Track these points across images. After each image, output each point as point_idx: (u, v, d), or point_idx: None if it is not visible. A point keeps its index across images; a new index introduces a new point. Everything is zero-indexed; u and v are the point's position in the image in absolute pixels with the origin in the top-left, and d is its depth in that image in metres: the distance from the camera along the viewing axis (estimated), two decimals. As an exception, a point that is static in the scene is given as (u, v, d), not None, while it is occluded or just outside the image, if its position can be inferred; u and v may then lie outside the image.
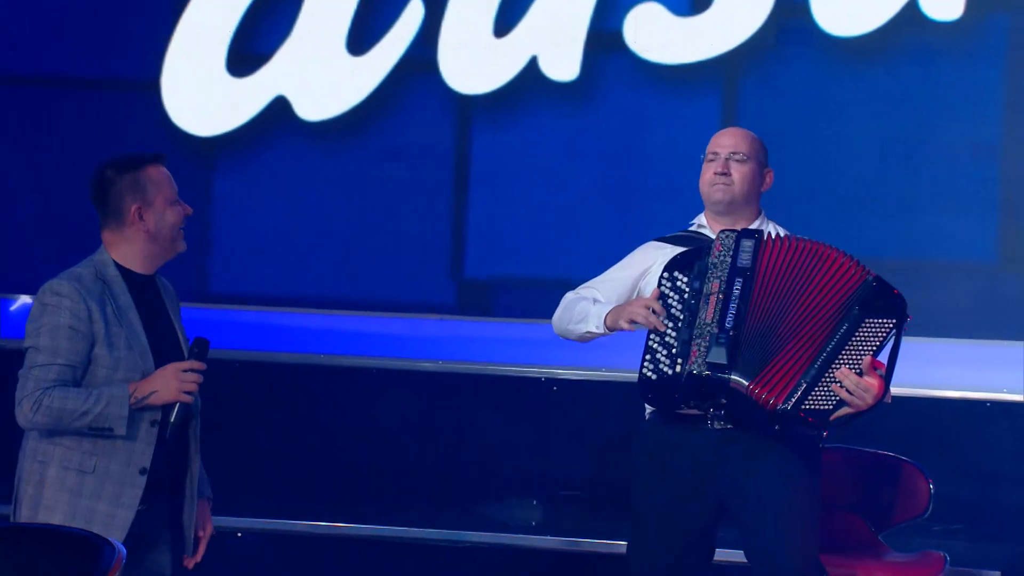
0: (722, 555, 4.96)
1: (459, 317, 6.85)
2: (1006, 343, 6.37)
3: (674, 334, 4.45)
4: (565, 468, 6.76)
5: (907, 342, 4.47)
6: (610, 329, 4.62)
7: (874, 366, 4.34)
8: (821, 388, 4.38)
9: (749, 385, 4.39)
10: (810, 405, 4.38)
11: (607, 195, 6.70)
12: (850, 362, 4.36)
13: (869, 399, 4.32)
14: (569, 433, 6.77)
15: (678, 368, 4.43)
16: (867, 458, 5.36)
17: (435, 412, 6.89)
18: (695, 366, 4.42)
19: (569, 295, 4.79)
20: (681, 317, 4.46)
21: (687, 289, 4.48)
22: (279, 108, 6.95)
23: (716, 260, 4.47)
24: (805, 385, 4.37)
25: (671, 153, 6.41)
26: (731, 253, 4.47)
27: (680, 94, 6.62)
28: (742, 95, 6.60)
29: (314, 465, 6.86)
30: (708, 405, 4.48)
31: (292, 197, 6.97)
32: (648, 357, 4.50)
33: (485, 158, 6.84)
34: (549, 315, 4.98)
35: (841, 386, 4.34)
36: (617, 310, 4.62)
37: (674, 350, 4.45)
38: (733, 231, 4.54)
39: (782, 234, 4.65)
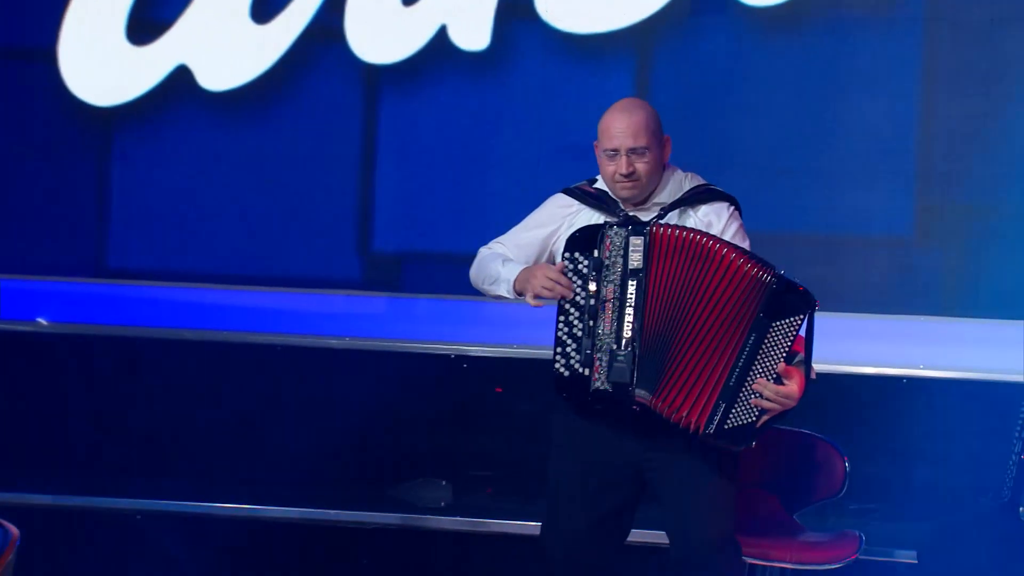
0: (644, 536, 5.07)
1: (366, 293, 6.76)
2: (922, 318, 6.37)
3: (580, 325, 4.43)
4: (476, 447, 6.70)
5: (821, 317, 4.45)
6: (519, 294, 4.58)
7: (794, 351, 4.36)
8: (740, 404, 4.40)
9: (655, 401, 4.40)
10: (732, 423, 4.39)
11: (519, 167, 6.62)
12: (765, 371, 4.37)
13: (792, 402, 4.37)
14: (480, 411, 6.71)
15: (586, 373, 4.43)
16: (782, 436, 5.30)
17: (342, 390, 6.77)
18: (599, 382, 4.43)
19: (483, 251, 4.74)
20: (584, 305, 4.44)
21: (587, 274, 4.44)
22: (181, 77, 6.84)
23: (608, 260, 4.43)
24: (724, 405, 4.37)
25: (585, 124, 5.64)
26: (622, 253, 4.42)
27: (593, 64, 6.53)
28: (656, 65, 6.51)
29: (217, 445, 6.75)
30: (621, 411, 4.49)
31: (194, 169, 6.86)
32: (559, 351, 4.46)
33: (393, 129, 6.73)
34: (459, 290, 5.04)
35: (761, 397, 4.37)
36: (525, 276, 4.57)
37: (583, 345, 4.44)
38: (624, 226, 4.45)
39: (699, 181, 4.62)
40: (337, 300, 6.78)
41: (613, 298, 4.39)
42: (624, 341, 4.38)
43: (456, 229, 6.52)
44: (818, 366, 4.47)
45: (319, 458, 6.67)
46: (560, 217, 4.69)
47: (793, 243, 4.70)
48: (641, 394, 4.38)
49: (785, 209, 6.35)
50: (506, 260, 4.67)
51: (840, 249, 6.38)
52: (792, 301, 4.33)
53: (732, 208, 4.65)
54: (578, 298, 4.45)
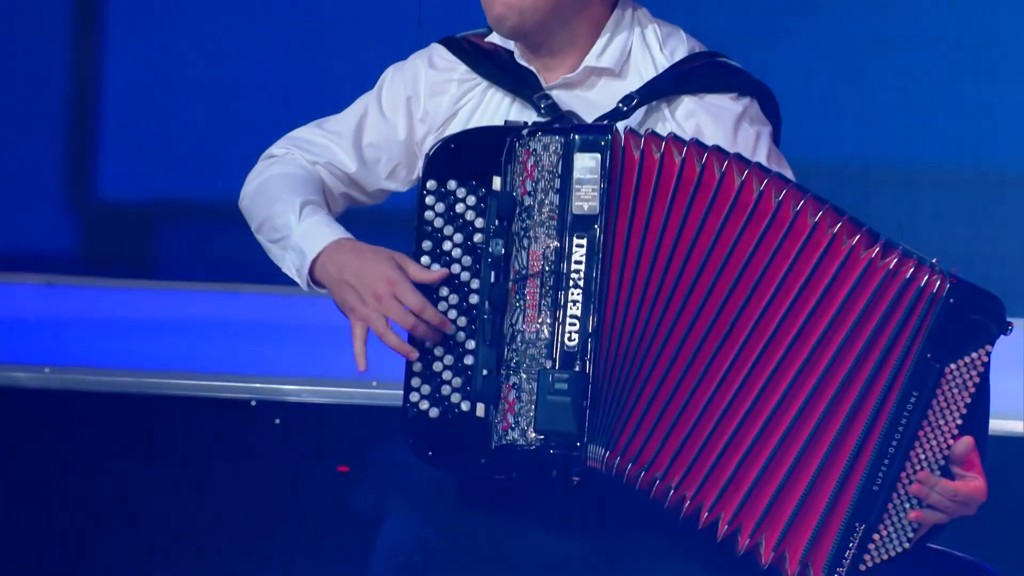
0: None
1: (86, 281, 5.69)
2: None
3: (464, 323, 3.39)
4: (299, 566, 5.43)
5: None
6: (317, 285, 3.38)
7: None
8: (891, 523, 3.27)
9: (642, 476, 3.21)
10: (874, 559, 3.26)
11: (364, 42, 5.53)
12: (930, 456, 3.25)
13: (970, 510, 3.26)
14: (306, 503, 5.48)
15: (480, 413, 3.27)
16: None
17: (44, 469, 5.55)
18: (515, 432, 3.23)
19: (276, 152, 3.49)
20: (474, 287, 3.29)
21: (485, 226, 3.27)
22: None
23: (530, 196, 3.27)
24: (863, 528, 3.26)
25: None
26: (555, 182, 3.24)
27: None
28: None
29: None
30: (551, 480, 3.39)
31: None
32: (417, 372, 3.28)
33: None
34: (255, 277, 4.83)
35: (921, 506, 3.22)
36: (344, 264, 3.31)
37: (479, 359, 3.28)
38: (558, 131, 3.25)
39: (683, 39, 3.48)
40: (32, 293, 5.76)
41: (543, 270, 3.25)
42: (568, 354, 3.22)
43: (249, 159, 4.39)
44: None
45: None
46: (437, 87, 3.46)
47: (935, 182, 4.36)
48: (597, 455, 3.22)
49: (930, 133, 5.27)
50: (309, 202, 3.35)
51: (993, 200, 5.25)
52: (976, 321, 3.20)
53: (748, 102, 3.42)
54: (455, 265, 3.26)
